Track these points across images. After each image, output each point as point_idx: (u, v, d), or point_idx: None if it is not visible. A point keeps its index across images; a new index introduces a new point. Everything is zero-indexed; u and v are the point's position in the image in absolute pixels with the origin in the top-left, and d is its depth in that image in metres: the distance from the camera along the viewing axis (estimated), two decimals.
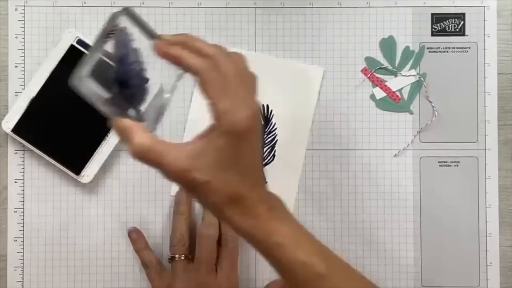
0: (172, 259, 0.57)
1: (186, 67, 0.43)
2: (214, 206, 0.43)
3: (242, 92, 0.42)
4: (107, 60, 0.46)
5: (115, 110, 0.46)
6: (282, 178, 0.60)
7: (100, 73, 0.46)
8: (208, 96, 0.42)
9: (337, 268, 0.45)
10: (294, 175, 0.60)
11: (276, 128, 0.60)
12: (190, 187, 0.43)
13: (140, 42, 0.46)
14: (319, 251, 0.44)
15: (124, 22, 0.46)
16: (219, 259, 0.55)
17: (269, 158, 0.60)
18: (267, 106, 0.61)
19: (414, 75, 0.61)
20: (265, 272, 0.60)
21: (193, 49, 0.43)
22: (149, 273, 0.58)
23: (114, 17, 0.45)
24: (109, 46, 0.46)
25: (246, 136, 0.42)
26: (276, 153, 0.60)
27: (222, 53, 0.43)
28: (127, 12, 0.45)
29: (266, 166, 0.60)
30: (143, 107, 0.47)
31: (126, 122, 0.43)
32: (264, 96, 0.60)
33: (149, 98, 0.47)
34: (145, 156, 0.42)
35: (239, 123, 0.41)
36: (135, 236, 0.60)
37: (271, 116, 0.61)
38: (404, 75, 0.61)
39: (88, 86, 0.46)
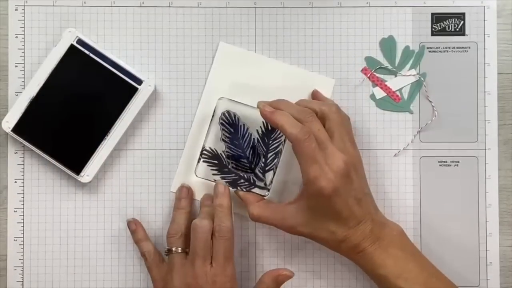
0: (169, 251, 0.57)
1: (284, 134, 0.54)
2: (327, 246, 0.56)
3: (339, 147, 0.54)
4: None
5: (236, 181, 0.59)
6: (284, 186, 0.61)
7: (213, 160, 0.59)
8: (300, 162, 0.53)
9: None
10: (296, 183, 0.61)
11: (282, 135, 0.60)
12: (296, 234, 0.56)
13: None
14: (420, 281, 0.54)
15: (225, 104, 0.59)
16: (214, 251, 0.55)
17: (272, 164, 0.60)
18: None
19: (414, 75, 0.61)
20: (265, 265, 0.60)
21: (291, 111, 0.55)
22: (147, 263, 0.58)
23: (218, 107, 0.59)
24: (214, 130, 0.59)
25: (335, 194, 0.52)
26: (280, 160, 0.60)
27: (314, 120, 0.55)
28: (224, 99, 0.59)
29: (268, 173, 0.59)
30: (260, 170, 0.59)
31: (241, 194, 0.58)
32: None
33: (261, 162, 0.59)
34: (259, 220, 0.57)
35: (325, 189, 0.52)
36: (134, 227, 0.60)
37: None
38: (404, 75, 0.61)
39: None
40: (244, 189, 0.59)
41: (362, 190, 0.55)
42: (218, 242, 0.55)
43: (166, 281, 0.56)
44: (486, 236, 0.61)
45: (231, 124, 0.59)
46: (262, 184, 0.59)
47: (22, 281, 0.61)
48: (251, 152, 0.60)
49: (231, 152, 0.59)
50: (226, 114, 0.59)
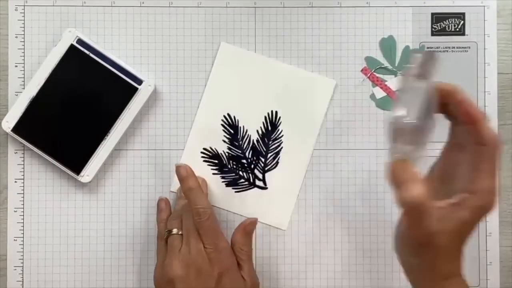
0: (169, 232, 0.56)
1: (477, 133, 0.43)
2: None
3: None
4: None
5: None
6: (283, 185, 0.61)
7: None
8: (482, 168, 0.43)
9: None
10: (295, 183, 0.61)
11: (282, 135, 0.60)
12: (422, 243, 0.43)
13: None
14: None
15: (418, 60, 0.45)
16: (201, 233, 0.55)
17: (272, 164, 0.60)
18: (276, 112, 0.61)
19: None
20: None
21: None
22: (158, 244, 0.58)
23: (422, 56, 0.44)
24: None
25: (485, 215, 0.43)
26: (280, 160, 0.60)
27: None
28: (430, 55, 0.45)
29: (268, 172, 0.60)
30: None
31: (410, 166, 0.42)
32: (273, 102, 0.60)
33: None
34: (410, 209, 0.41)
35: (493, 206, 0.43)
36: (163, 206, 0.59)
37: (279, 123, 0.61)
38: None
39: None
40: (244, 189, 0.59)
41: None
42: (201, 225, 0.54)
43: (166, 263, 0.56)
44: (486, 236, 0.61)
45: (231, 126, 0.60)
46: (261, 184, 0.60)
47: (22, 281, 0.61)
48: (250, 152, 0.60)
49: (231, 152, 0.60)
50: (227, 116, 0.60)
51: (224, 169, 0.60)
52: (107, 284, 0.61)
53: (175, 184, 0.61)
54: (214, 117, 0.60)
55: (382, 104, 0.61)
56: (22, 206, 0.61)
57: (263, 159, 0.60)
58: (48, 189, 0.61)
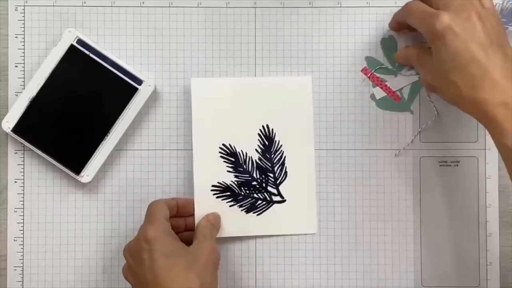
0: None
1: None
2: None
3: None
4: None
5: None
6: (299, 192, 0.61)
7: None
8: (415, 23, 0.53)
9: None
10: (310, 185, 0.61)
11: (281, 145, 0.60)
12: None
13: None
14: None
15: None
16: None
17: (282, 176, 0.60)
18: (267, 125, 0.60)
19: (415, 75, 0.61)
20: (265, 265, 0.60)
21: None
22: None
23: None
24: None
25: (449, 32, 0.49)
26: (287, 170, 0.60)
27: None
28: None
29: (281, 185, 0.60)
30: None
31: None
32: (261, 117, 0.60)
33: None
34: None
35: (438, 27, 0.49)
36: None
37: (274, 135, 0.60)
38: (404, 75, 0.61)
39: None
40: (264, 209, 0.60)
41: (489, 39, 0.49)
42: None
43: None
44: (486, 236, 0.61)
45: (230, 154, 0.60)
46: (278, 198, 0.60)
47: (22, 281, 0.61)
48: (257, 172, 0.60)
49: (239, 179, 0.60)
50: (222, 146, 0.60)
51: (239, 198, 0.60)
52: (107, 284, 0.61)
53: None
54: (211, 152, 0.60)
55: (382, 104, 0.61)
56: (22, 206, 0.61)
57: (271, 174, 0.60)
58: (48, 189, 0.61)
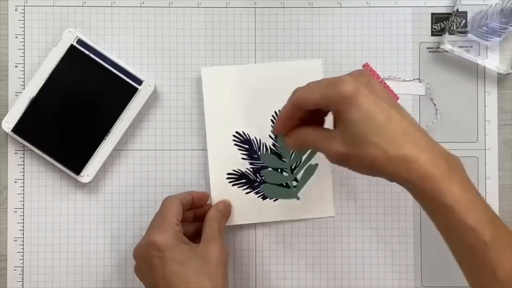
0: None
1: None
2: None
3: None
4: None
5: None
6: (315, 176, 0.61)
7: None
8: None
9: (503, 239, 0.45)
10: (324, 169, 0.60)
11: None
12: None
13: None
14: (489, 220, 0.45)
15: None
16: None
17: (296, 161, 0.60)
18: (280, 111, 0.60)
19: (420, 80, 0.61)
20: (265, 264, 0.60)
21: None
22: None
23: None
24: None
25: (358, 94, 0.46)
26: (302, 158, 0.60)
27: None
28: None
29: (296, 170, 0.60)
30: None
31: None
32: (273, 102, 0.60)
33: None
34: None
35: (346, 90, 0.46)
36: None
37: None
38: (407, 80, 0.61)
39: None
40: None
41: (390, 99, 0.48)
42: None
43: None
44: None
45: (244, 141, 0.60)
46: (294, 183, 0.60)
47: (22, 281, 0.61)
48: None
49: (254, 166, 0.60)
50: (236, 134, 0.60)
51: (255, 185, 0.60)
52: (107, 284, 0.61)
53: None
54: (225, 140, 0.60)
55: None
56: (22, 206, 0.61)
57: (286, 160, 0.60)
58: (48, 189, 0.61)
